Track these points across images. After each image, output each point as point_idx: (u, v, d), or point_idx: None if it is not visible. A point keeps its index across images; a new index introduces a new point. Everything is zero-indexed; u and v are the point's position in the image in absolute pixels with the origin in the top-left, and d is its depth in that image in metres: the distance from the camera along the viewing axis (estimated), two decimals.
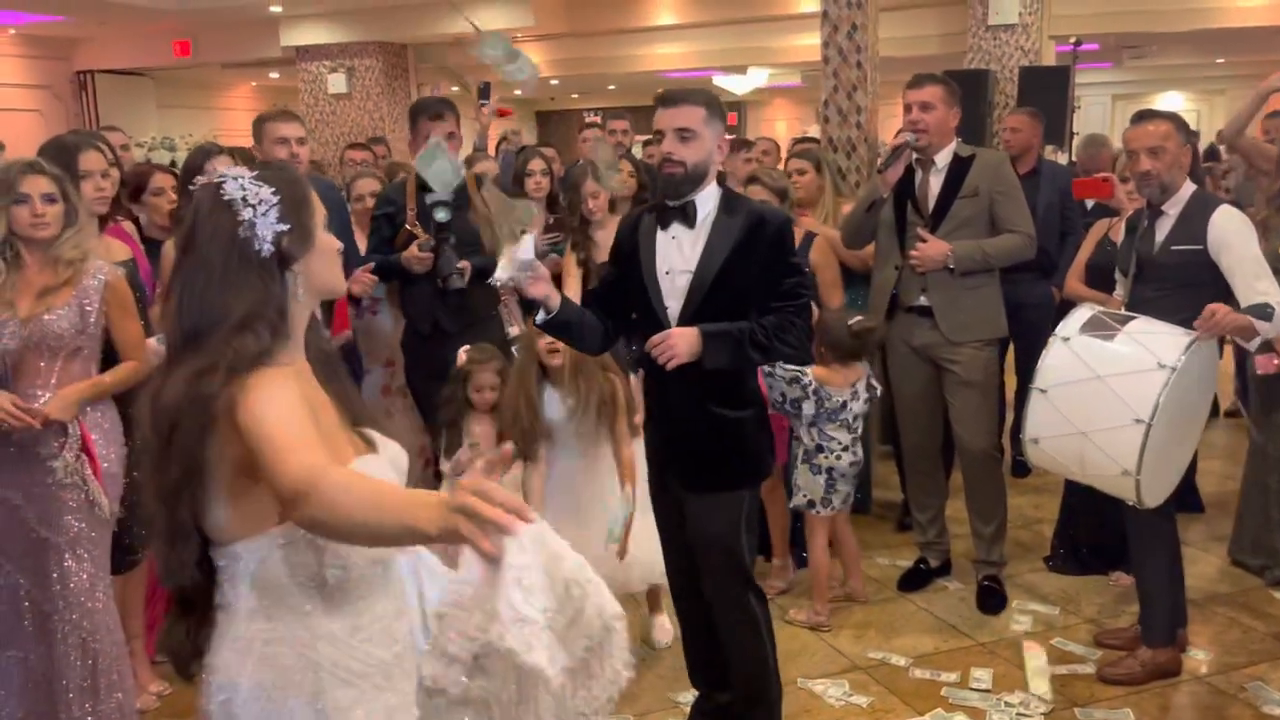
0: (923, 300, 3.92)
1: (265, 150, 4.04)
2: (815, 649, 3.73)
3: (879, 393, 4.00)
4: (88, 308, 2.88)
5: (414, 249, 3.91)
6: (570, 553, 1.36)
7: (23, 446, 2.84)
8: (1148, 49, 11.66)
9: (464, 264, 3.88)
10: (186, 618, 1.63)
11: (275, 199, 1.56)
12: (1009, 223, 3.85)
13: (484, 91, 6.02)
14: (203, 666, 1.62)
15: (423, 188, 3.92)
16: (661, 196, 2.81)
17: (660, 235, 2.79)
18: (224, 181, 1.57)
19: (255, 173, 1.59)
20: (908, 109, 3.88)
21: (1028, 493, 5.19)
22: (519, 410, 3.38)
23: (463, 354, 3.65)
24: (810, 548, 3.94)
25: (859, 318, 3.87)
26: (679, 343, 2.67)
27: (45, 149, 3.22)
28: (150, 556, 3.47)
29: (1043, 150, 5.93)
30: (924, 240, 3.84)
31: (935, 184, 3.90)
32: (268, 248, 1.55)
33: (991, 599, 4.02)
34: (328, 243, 1.66)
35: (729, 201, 2.80)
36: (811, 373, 3.75)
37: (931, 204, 3.90)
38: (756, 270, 2.75)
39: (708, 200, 2.78)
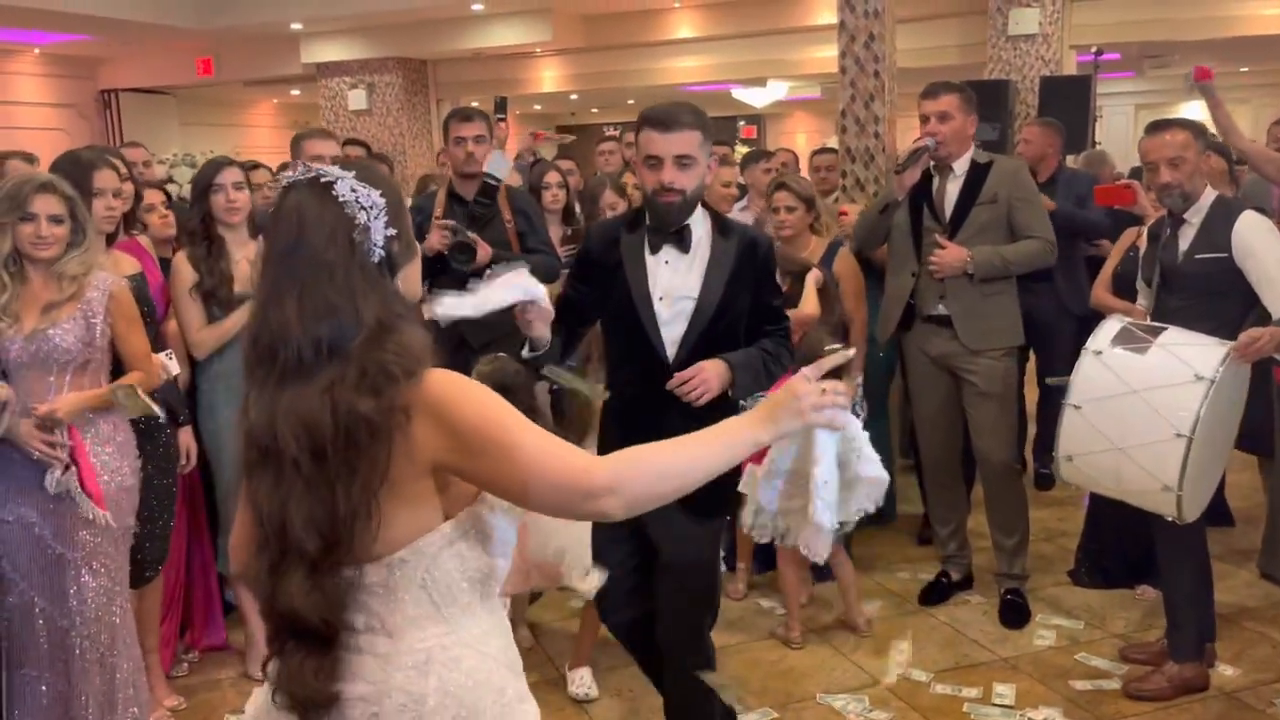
0: (941, 308, 3.89)
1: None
2: (835, 664, 3.68)
3: (864, 420, 3.88)
4: (93, 320, 2.88)
5: (435, 227, 3.85)
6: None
7: (38, 463, 2.84)
8: (1170, 58, 11.55)
9: (474, 237, 3.75)
10: (323, 654, 1.44)
11: (383, 202, 1.46)
12: (1028, 229, 3.81)
13: (500, 106, 6.02)
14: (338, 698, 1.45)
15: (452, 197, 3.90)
16: (656, 225, 2.69)
17: (650, 258, 2.68)
18: (333, 180, 1.45)
19: (354, 172, 1.48)
20: (925, 119, 3.85)
21: (1051, 505, 5.12)
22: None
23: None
24: (780, 563, 3.90)
25: (837, 346, 3.76)
26: (712, 377, 2.58)
27: (59, 164, 3.23)
28: (165, 571, 3.48)
29: (1064, 160, 5.88)
30: (943, 247, 3.80)
31: (953, 190, 3.87)
32: (379, 253, 1.45)
33: (1014, 613, 3.96)
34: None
35: (721, 224, 2.74)
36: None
37: (949, 210, 3.86)
38: (751, 294, 2.71)
39: (699, 223, 2.70)
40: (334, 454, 1.38)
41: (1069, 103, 7.61)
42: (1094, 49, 8.36)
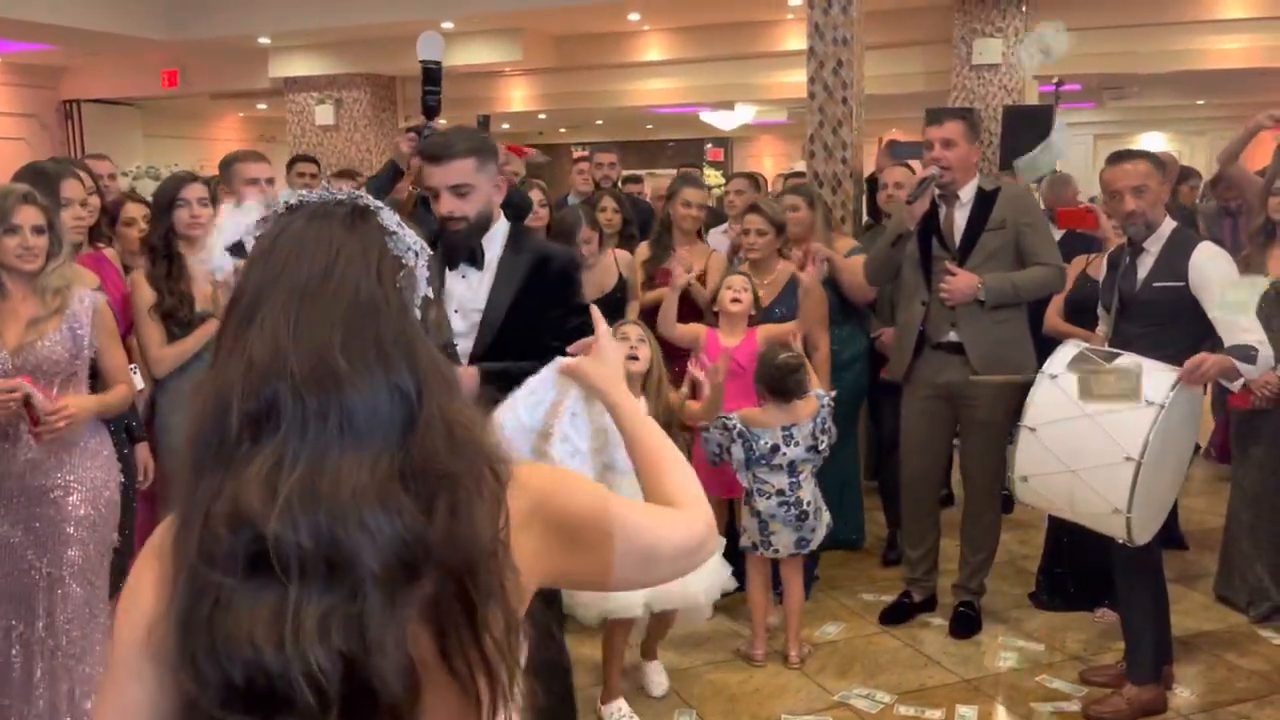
0: (952, 336, 3.90)
1: (235, 191, 3.99)
2: (799, 686, 3.69)
3: (832, 438, 3.80)
4: (79, 332, 2.88)
5: (399, 134, 3.80)
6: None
7: (22, 479, 2.82)
8: (1129, 90, 11.80)
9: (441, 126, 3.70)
10: None
11: (427, 253, 1.15)
12: (1037, 255, 3.84)
13: (483, 124, 5.98)
14: None
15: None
16: (449, 251, 2.73)
17: (449, 274, 2.76)
18: (375, 208, 1.13)
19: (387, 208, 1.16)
20: (930, 146, 3.88)
21: (1013, 528, 5.17)
22: None
23: None
24: (748, 587, 3.89)
25: (791, 353, 3.77)
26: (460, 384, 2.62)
27: (23, 176, 3.21)
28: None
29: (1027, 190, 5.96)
30: (953, 274, 3.83)
31: (960, 218, 3.90)
32: (417, 313, 1.13)
33: (964, 624, 4.01)
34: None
35: (517, 240, 2.81)
36: (738, 415, 3.70)
37: (958, 238, 3.89)
38: (541, 308, 2.74)
39: (495, 240, 2.78)
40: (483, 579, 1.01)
41: (1031, 132, 7.70)
42: (1055, 80, 8.53)
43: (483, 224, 2.71)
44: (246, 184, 3.92)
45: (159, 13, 9.65)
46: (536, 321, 2.72)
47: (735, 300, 4.02)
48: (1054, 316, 4.27)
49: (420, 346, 1.07)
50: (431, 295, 1.16)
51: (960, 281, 3.80)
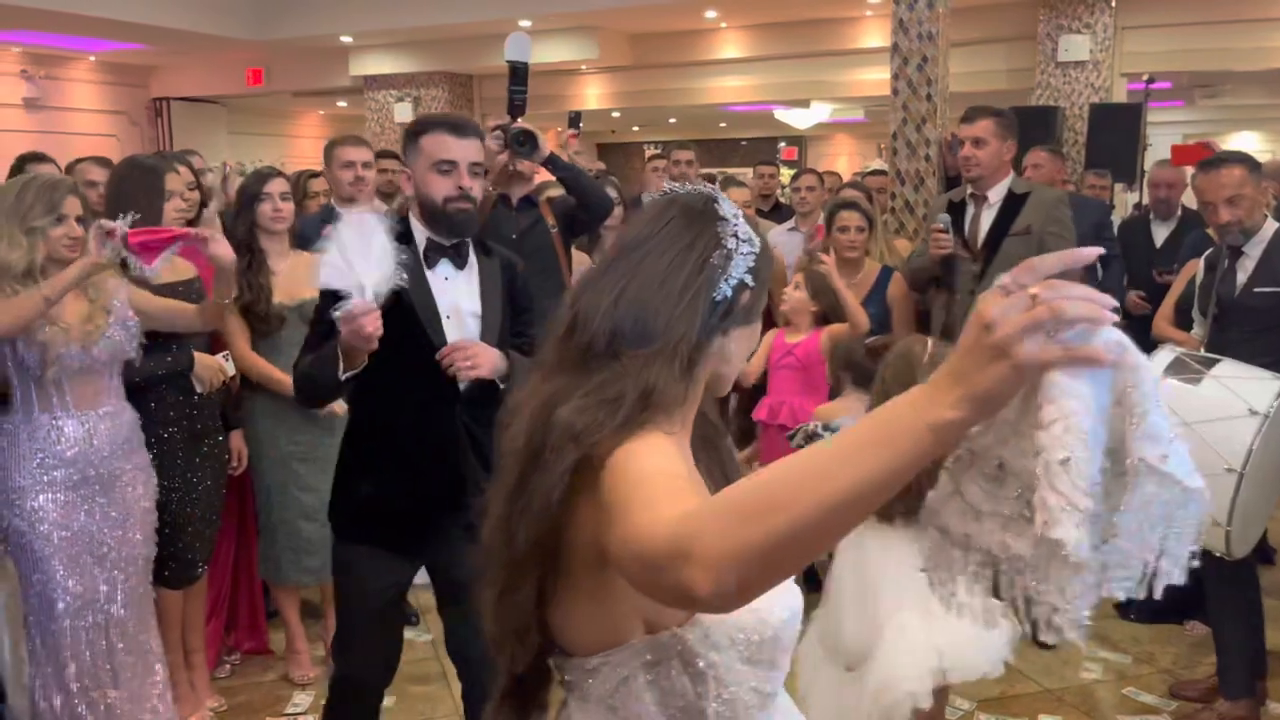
0: None
1: (333, 174, 4.12)
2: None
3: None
4: (129, 321, 2.95)
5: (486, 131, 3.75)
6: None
7: (110, 461, 2.92)
8: (1221, 88, 11.45)
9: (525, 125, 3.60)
10: (521, 712, 1.32)
11: (757, 247, 1.28)
12: None
13: (574, 120, 5.97)
14: None
15: None
16: (444, 235, 2.51)
17: (430, 275, 2.52)
18: (718, 199, 1.30)
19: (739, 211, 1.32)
20: (960, 144, 3.85)
21: None
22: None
23: None
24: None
25: (876, 337, 3.71)
26: (483, 355, 2.42)
27: (122, 169, 3.33)
28: (211, 572, 3.51)
29: (1112, 189, 5.82)
30: (976, 276, 3.77)
31: (986, 220, 3.83)
32: (725, 292, 1.24)
33: None
34: (758, 330, 1.36)
35: (481, 244, 2.64)
36: (817, 420, 3.62)
37: (981, 241, 3.83)
38: (512, 311, 2.62)
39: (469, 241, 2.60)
40: (536, 466, 1.16)
41: (1118, 131, 7.55)
42: (1145, 77, 8.30)
43: (479, 217, 2.54)
44: (343, 167, 4.05)
45: (246, 13, 9.90)
46: (508, 324, 2.60)
47: (782, 301, 4.05)
48: (1162, 323, 4.09)
49: (682, 323, 1.20)
50: (751, 282, 1.26)
51: None
